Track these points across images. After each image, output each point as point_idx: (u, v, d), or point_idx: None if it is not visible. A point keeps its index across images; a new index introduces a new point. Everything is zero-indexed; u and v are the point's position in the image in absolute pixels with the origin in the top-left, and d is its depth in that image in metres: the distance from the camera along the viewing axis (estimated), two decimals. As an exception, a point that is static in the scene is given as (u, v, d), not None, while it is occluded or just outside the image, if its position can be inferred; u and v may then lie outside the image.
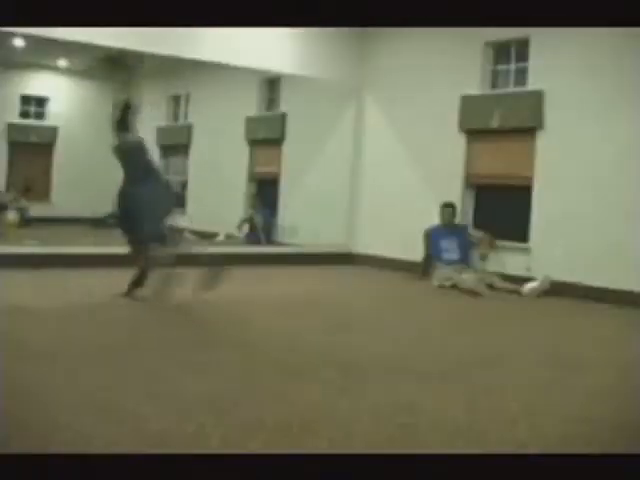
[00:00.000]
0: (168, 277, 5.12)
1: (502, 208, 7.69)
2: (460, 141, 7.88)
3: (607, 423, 2.97)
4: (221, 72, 9.54)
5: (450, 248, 7.40)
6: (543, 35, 7.00)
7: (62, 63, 12.30)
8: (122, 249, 5.58)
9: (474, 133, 7.82)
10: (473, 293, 6.62)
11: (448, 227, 7.50)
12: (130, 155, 5.37)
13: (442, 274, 7.15)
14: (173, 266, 5.14)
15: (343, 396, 3.12)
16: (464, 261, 7.34)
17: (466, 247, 7.44)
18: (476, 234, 7.53)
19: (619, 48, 6.53)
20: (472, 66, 7.76)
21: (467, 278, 6.83)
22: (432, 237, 7.53)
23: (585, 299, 6.54)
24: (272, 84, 10.49)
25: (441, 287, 7.05)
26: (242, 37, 7.63)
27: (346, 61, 8.74)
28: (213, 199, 11.13)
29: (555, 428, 2.84)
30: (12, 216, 10.32)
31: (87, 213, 11.41)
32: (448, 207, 7.55)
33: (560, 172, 6.98)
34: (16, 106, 12.73)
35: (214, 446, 2.44)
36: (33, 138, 12.93)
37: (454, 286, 6.92)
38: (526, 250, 7.21)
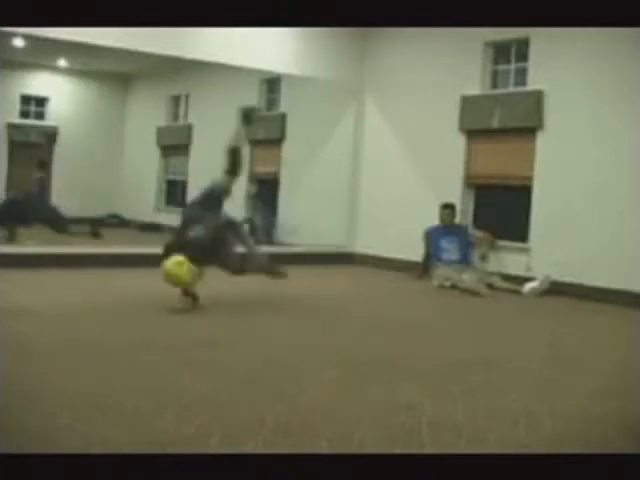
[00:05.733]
0: None
1: (502, 208, 7.69)
2: (460, 141, 7.88)
3: (607, 423, 2.97)
4: (221, 72, 9.52)
5: (450, 248, 7.40)
6: (543, 35, 7.00)
7: (62, 63, 12.30)
8: (121, 249, 5.57)
9: (474, 133, 7.82)
10: (473, 292, 6.62)
11: (448, 227, 7.50)
12: None
13: (442, 274, 7.15)
14: None
15: (343, 396, 3.12)
16: (464, 261, 7.34)
17: (466, 247, 7.44)
18: (476, 234, 7.54)
19: (619, 48, 6.53)
20: (472, 66, 7.76)
21: (466, 278, 6.84)
22: (432, 237, 7.53)
23: (585, 299, 6.54)
24: (272, 84, 10.48)
25: (441, 287, 7.05)
26: (242, 37, 7.63)
27: (346, 61, 8.74)
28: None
29: (555, 428, 2.84)
30: None
31: (87, 213, 11.40)
32: (447, 207, 7.55)
33: (560, 172, 6.98)
34: (16, 106, 12.73)
35: (214, 446, 2.44)
36: (33, 138, 12.93)
37: (454, 286, 6.92)
38: (526, 250, 7.21)
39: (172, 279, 4.97)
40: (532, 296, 6.68)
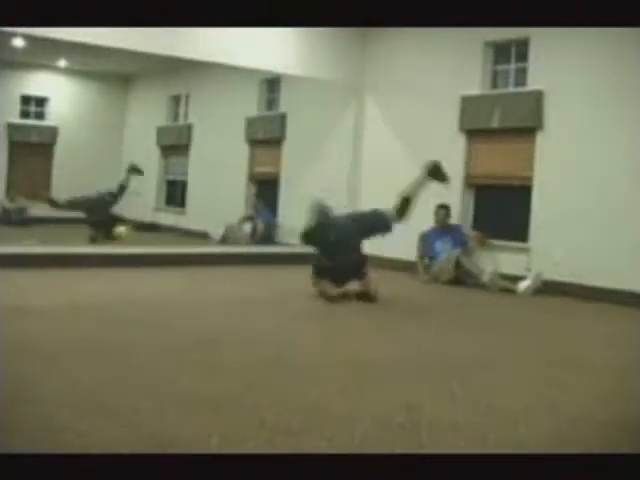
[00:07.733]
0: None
1: (502, 208, 7.69)
2: (460, 141, 7.88)
3: (607, 423, 2.96)
4: (221, 72, 9.55)
5: (445, 249, 7.42)
6: (543, 35, 7.00)
7: (62, 63, 12.31)
8: (121, 249, 5.56)
9: (474, 133, 7.83)
10: (475, 275, 6.91)
11: (442, 228, 7.55)
12: None
13: (446, 258, 7.27)
14: None
15: (343, 396, 3.12)
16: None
17: (460, 246, 7.44)
18: (469, 232, 7.58)
19: (619, 48, 6.53)
20: (472, 66, 7.76)
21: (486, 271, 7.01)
22: (427, 240, 7.59)
23: (585, 299, 6.54)
24: (272, 84, 10.49)
25: (438, 280, 7.16)
26: (242, 37, 7.63)
27: (346, 61, 8.74)
28: (213, 199, 11.13)
29: (555, 428, 2.84)
30: None
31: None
32: (442, 208, 7.59)
33: (560, 172, 6.98)
34: (16, 106, 12.75)
35: (214, 446, 2.44)
36: (33, 138, 12.95)
37: (458, 264, 7.08)
38: (526, 250, 7.21)
39: None
40: (527, 295, 6.68)
